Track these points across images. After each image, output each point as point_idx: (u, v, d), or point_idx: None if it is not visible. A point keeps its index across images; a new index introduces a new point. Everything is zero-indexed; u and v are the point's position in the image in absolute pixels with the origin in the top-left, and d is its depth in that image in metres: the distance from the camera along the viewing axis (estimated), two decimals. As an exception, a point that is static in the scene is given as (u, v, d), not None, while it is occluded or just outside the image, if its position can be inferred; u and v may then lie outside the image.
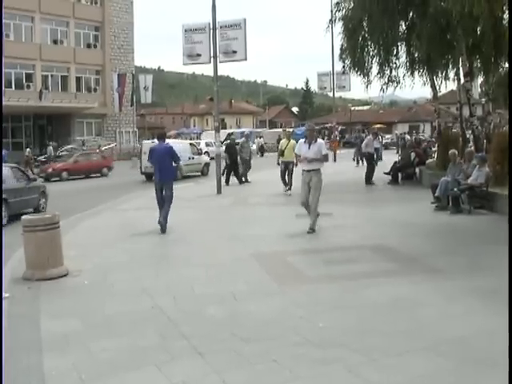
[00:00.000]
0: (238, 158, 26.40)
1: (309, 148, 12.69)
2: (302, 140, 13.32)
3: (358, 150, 35.78)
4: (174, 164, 14.06)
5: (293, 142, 20.43)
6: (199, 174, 32.13)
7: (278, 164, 21.81)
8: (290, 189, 20.71)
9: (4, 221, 15.90)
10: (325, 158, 13.04)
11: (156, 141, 15.85)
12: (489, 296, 7.65)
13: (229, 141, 29.31)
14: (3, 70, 47.00)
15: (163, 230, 13.40)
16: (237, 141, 29.51)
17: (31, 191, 18.92)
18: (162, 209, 13.74)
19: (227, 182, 25.37)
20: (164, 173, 13.83)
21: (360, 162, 34.38)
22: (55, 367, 5.69)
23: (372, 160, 24.91)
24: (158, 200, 13.97)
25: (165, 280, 9.03)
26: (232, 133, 54.53)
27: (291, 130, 46.47)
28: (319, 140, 13.24)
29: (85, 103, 56.01)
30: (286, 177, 21.16)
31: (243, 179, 26.36)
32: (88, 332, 6.71)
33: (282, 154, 21.32)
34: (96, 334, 6.63)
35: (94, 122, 60.54)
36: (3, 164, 19.41)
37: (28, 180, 19.21)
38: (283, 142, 22.14)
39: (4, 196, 16.30)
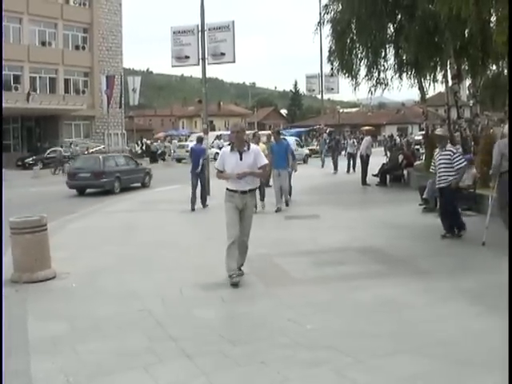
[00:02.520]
0: None
1: (240, 159, 8.84)
2: (225, 149, 9.36)
3: (334, 154, 34.45)
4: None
5: (262, 146, 16.29)
6: (301, 162, 37.07)
7: None
8: (262, 200, 16.87)
9: (117, 190, 25.24)
10: (264, 172, 9.48)
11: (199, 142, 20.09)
12: (476, 297, 7.69)
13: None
14: (3, 70, 46.87)
15: (204, 205, 18.48)
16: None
17: (138, 172, 28.38)
18: (201, 194, 18.57)
19: None
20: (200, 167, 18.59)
21: (336, 169, 32.78)
22: (42, 370, 5.67)
23: (368, 162, 24.93)
24: (192, 186, 18.34)
25: (153, 282, 9.01)
26: (221, 135, 54.41)
27: (249, 132, 45.70)
28: (253, 146, 9.23)
29: (73, 105, 55.81)
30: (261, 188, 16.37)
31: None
32: (76, 335, 6.69)
33: None
34: (84, 336, 6.61)
35: (82, 124, 60.34)
36: (119, 153, 34.12)
37: (136, 164, 28.98)
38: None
39: (117, 174, 25.70)
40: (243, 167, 8.81)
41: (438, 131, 13.30)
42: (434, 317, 7.00)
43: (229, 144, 9.54)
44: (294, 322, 6.89)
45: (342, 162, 32.86)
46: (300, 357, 5.78)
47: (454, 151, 12.02)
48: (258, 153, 9.01)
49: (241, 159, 8.87)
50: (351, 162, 31.39)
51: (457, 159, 11.83)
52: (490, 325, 6.59)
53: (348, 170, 30.90)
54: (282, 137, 19.73)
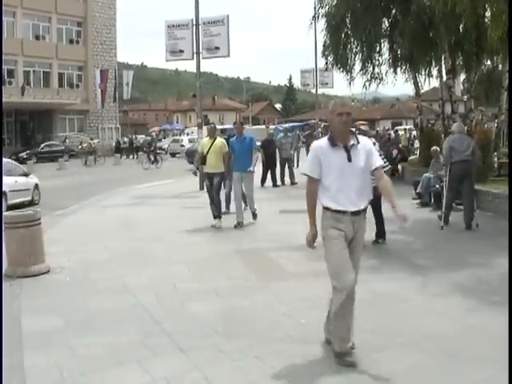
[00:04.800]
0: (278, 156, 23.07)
1: (349, 159, 5.53)
2: (319, 143, 5.75)
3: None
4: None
5: (220, 141, 13.84)
6: None
7: (195, 174, 15.87)
8: (219, 216, 13.60)
9: None
10: (382, 176, 5.78)
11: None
12: (471, 292, 7.71)
13: (266, 136, 24.92)
14: (3, 67, 46.70)
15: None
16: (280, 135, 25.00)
17: None
18: None
19: (262, 182, 22.12)
20: None
21: None
22: (36, 365, 5.66)
23: None
24: None
25: (147, 277, 9.00)
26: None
27: (245, 126, 43.93)
28: (363, 139, 5.74)
29: (67, 99, 55.76)
30: (214, 196, 13.67)
31: (280, 182, 22.92)
32: (70, 329, 6.67)
33: (203, 160, 13.80)
34: (78, 331, 6.60)
35: (76, 118, 60.29)
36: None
37: None
38: (204, 141, 14.22)
39: None
40: (354, 173, 5.56)
41: (363, 127, 12.67)
42: (428, 311, 7.02)
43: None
44: (289, 317, 6.89)
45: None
46: (294, 351, 5.78)
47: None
48: (370, 149, 5.71)
49: (349, 160, 5.55)
50: None
51: None
52: (485, 319, 6.60)
53: None
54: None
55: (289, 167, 23.45)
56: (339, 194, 5.54)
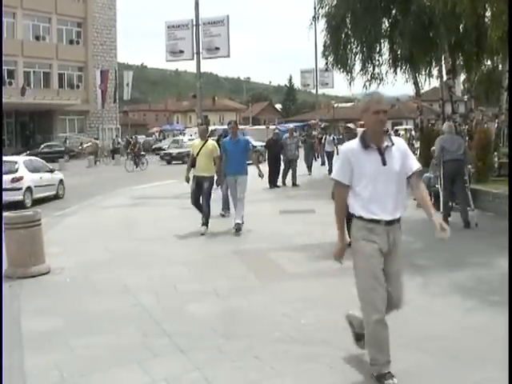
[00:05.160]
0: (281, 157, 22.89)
1: (383, 163, 4.95)
2: (350, 144, 5.17)
3: (308, 154, 30.05)
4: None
5: (211, 143, 13.12)
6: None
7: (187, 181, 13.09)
8: (206, 224, 12.73)
9: None
10: (419, 185, 5.26)
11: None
12: (471, 292, 7.70)
13: (271, 136, 24.73)
14: (3, 68, 46.68)
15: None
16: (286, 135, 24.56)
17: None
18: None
19: (270, 183, 21.92)
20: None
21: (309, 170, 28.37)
22: (36, 365, 5.66)
23: None
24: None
25: (147, 277, 9.00)
26: (215, 129, 54.42)
27: (244, 127, 42.59)
28: (396, 139, 5.16)
29: (67, 100, 55.81)
30: (202, 201, 12.86)
31: (281, 182, 22.68)
32: (70, 330, 6.67)
33: (193, 163, 13.01)
34: (78, 331, 6.60)
35: (76, 119, 60.37)
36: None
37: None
38: (195, 143, 13.66)
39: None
40: (389, 178, 4.98)
41: (349, 124, 12.55)
42: (428, 311, 7.00)
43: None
44: (289, 317, 6.88)
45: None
46: (294, 352, 5.78)
47: None
48: (405, 150, 5.12)
49: (384, 163, 4.96)
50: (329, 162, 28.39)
51: None
52: (485, 320, 6.59)
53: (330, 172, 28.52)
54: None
55: (293, 168, 23.27)
56: (372, 201, 4.98)
